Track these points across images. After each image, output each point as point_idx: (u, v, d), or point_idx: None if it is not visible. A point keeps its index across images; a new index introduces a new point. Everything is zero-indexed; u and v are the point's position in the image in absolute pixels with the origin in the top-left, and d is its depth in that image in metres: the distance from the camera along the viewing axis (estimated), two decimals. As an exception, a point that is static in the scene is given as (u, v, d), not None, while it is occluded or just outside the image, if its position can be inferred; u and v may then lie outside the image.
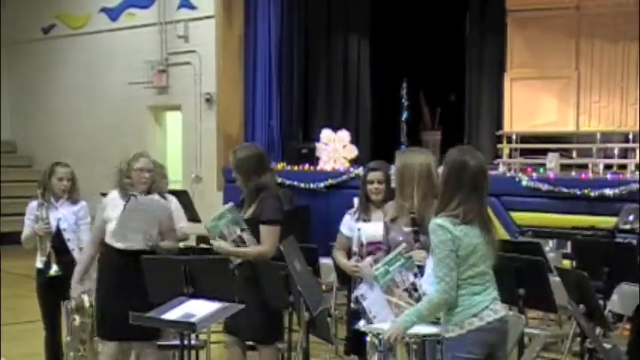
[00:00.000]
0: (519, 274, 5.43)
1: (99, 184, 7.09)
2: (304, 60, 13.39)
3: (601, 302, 5.63)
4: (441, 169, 4.10)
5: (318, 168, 11.76)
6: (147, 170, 5.39)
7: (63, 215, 5.93)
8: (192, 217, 9.19)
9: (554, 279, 5.63)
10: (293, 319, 5.17)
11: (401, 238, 4.62)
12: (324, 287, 6.97)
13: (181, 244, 6.24)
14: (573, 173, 10.26)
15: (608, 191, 9.30)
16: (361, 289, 4.46)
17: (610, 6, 11.30)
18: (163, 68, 13.70)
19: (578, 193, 9.44)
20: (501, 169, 11.18)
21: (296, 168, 11.94)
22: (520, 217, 9.72)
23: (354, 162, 11.62)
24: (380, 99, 13.60)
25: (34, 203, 6.00)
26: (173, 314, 4.17)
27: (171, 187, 13.12)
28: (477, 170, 3.92)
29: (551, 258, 7.01)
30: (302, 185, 11.50)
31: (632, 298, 5.68)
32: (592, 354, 4.36)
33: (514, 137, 11.63)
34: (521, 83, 11.82)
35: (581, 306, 5.00)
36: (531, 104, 11.71)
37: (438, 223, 3.88)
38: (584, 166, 10.75)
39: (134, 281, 5.21)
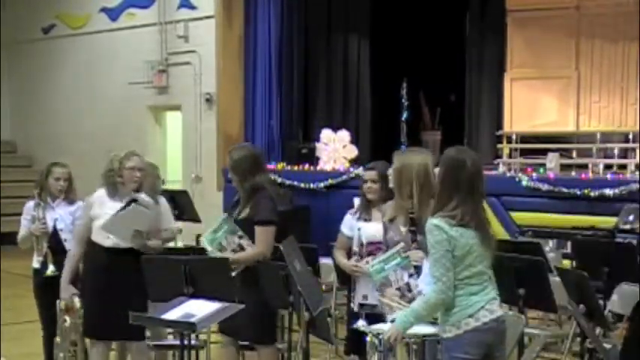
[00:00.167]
0: (519, 274, 5.43)
1: (99, 184, 7.07)
2: (304, 60, 13.39)
3: (601, 302, 5.62)
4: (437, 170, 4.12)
5: (318, 168, 11.76)
6: (138, 169, 5.39)
7: (60, 215, 5.92)
8: (192, 217, 9.21)
9: (554, 279, 5.63)
10: (293, 319, 5.17)
11: (398, 238, 4.63)
12: (324, 287, 6.97)
13: (175, 244, 6.25)
14: (573, 173, 10.26)
15: (608, 191, 9.30)
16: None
17: (610, 6, 11.30)
18: (163, 68, 13.70)
19: (578, 193, 9.44)
20: (501, 169, 11.19)
21: (296, 168, 11.94)
22: (520, 217, 9.71)
23: (354, 162, 11.61)
24: (380, 99, 13.60)
25: (30, 203, 5.99)
26: (173, 314, 4.17)
27: (171, 187, 13.20)
28: (474, 171, 3.93)
29: (551, 258, 7.01)
30: (302, 185, 11.50)
31: (632, 298, 5.67)
32: (592, 354, 4.36)
33: (514, 137, 11.63)
34: (521, 83, 11.82)
35: (581, 306, 5.00)
36: (531, 104, 11.71)
37: (434, 223, 3.88)
38: (584, 166, 10.75)
39: (121, 280, 5.24)
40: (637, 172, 10.09)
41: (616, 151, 11.00)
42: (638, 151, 10.79)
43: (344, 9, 13.72)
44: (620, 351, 4.44)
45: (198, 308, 4.18)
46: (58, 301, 5.56)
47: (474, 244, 3.89)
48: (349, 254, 5.19)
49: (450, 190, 3.92)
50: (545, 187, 9.69)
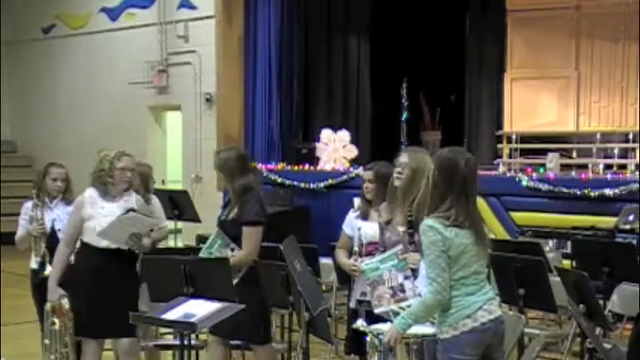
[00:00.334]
0: (519, 274, 5.44)
1: (87, 184, 7.06)
2: (304, 60, 13.39)
3: (601, 302, 5.62)
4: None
5: (318, 168, 11.76)
6: (129, 169, 5.36)
7: (57, 215, 5.90)
8: (192, 217, 9.22)
9: (554, 279, 5.63)
10: (293, 319, 5.17)
11: (395, 239, 4.62)
12: (324, 287, 6.97)
13: (175, 244, 6.26)
14: (573, 173, 10.26)
15: (608, 191, 9.30)
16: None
17: (610, 6, 11.31)
18: (163, 68, 13.70)
19: (578, 193, 9.44)
20: (501, 169, 11.19)
21: (296, 168, 11.93)
22: (520, 217, 9.71)
23: (354, 162, 11.61)
24: (380, 99, 13.61)
25: (28, 203, 5.98)
26: (173, 314, 4.17)
27: (171, 187, 13.21)
28: (467, 171, 3.93)
29: (551, 258, 7.02)
30: (302, 185, 11.49)
31: (632, 298, 5.68)
32: (592, 354, 4.36)
33: (514, 137, 11.63)
34: (521, 83, 11.83)
35: (581, 306, 5.00)
36: (531, 104, 11.72)
37: (429, 224, 3.89)
38: (584, 166, 10.75)
39: (114, 279, 5.22)
40: (637, 172, 10.09)
41: (616, 151, 11.00)
42: (638, 151, 10.80)
43: (344, 9, 13.72)
44: (627, 353, 4.44)
45: (198, 308, 4.18)
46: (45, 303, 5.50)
47: (469, 243, 3.89)
48: (351, 253, 5.20)
49: (443, 190, 3.92)
50: (545, 187, 9.68)
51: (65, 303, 5.33)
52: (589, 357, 4.40)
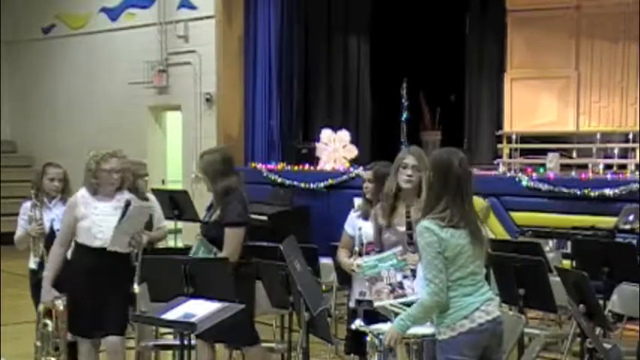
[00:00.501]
0: (519, 274, 5.44)
1: (80, 184, 7.06)
2: (304, 60, 13.39)
3: (601, 302, 5.62)
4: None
5: (318, 168, 11.75)
6: (116, 172, 5.29)
7: (56, 216, 5.89)
8: (192, 217, 9.22)
9: (554, 279, 5.63)
10: (293, 319, 5.17)
11: (395, 239, 4.62)
12: (324, 287, 6.97)
13: (175, 244, 6.26)
14: (573, 173, 10.26)
15: (608, 191, 9.29)
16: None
17: (610, 6, 11.31)
18: (163, 68, 13.70)
19: (578, 193, 9.44)
20: (501, 169, 11.19)
21: (296, 168, 11.93)
22: (520, 217, 9.71)
23: (354, 162, 11.61)
24: (380, 99, 13.61)
25: (27, 204, 5.98)
26: (173, 314, 4.17)
27: (171, 187, 13.21)
28: (462, 171, 3.93)
29: (551, 258, 7.01)
30: (302, 185, 11.49)
31: (632, 298, 5.69)
32: (592, 354, 4.36)
33: (514, 137, 11.63)
34: (521, 83, 11.83)
35: (581, 306, 5.00)
36: (531, 104, 11.72)
37: (424, 225, 3.89)
38: (584, 166, 10.76)
39: (107, 279, 5.21)
40: (637, 172, 10.09)
41: (616, 151, 11.00)
42: (638, 151, 10.80)
43: (344, 9, 13.73)
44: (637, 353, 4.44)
45: (198, 308, 4.18)
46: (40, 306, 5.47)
47: (465, 244, 3.89)
48: (353, 253, 5.20)
49: (438, 191, 3.92)
50: (545, 187, 9.68)
51: (60, 304, 5.30)
52: (589, 357, 4.39)
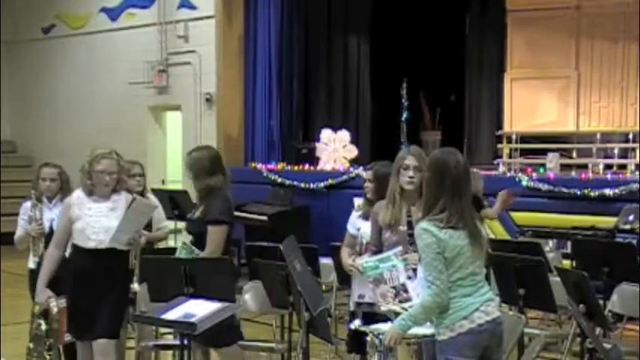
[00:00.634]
0: (519, 274, 5.43)
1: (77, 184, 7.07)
2: (304, 60, 13.39)
3: (601, 302, 5.62)
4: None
5: (318, 168, 11.75)
6: (108, 173, 5.22)
7: (56, 216, 5.86)
8: (193, 217, 9.20)
9: (554, 279, 5.63)
10: (293, 319, 5.16)
11: (396, 238, 4.61)
12: (324, 287, 6.97)
13: (175, 244, 6.26)
14: (573, 173, 10.26)
15: (608, 191, 9.30)
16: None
17: (610, 6, 11.31)
18: (163, 68, 13.70)
19: (578, 193, 9.44)
20: (501, 169, 11.19)
21: (296, 168, 11.93)
22: (520, 217, 9.71)
23: (354, 162, 11.61)
24: (380, 99, 13.61)
25: (27, 204, 5.98)
26: (173, 314, 4.17)
27: (172, 187, 13.21)
28: (459, 172, 3.93)
29: (551, 258, 7.02)
30: (302, 185, 11.49)
31: (632, 298, 5.69)
32: (592, 354, 4.36)
33: (514, 137, 11.64)
34: (521, 83, 11.84)
35: (581, 306, 5.00)
36: (531, 104, 11.73)
37: (423, 227, 3.90)
38: (584, 166, 10.76)
39: (101, 280, 5.15)
40: (637, 172, 10.10)
41: (616, 151, 11.01)
42: (638, 151, 10.80)
43: (344, 9, 13.73)
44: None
45: (198, 308, 4.18)
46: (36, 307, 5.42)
47: (464, 245, 3.88)
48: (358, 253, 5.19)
49: (436, 192, 3.93)
50: (545, 187, 9.68)
51: (54, 305, 5.27)
52: (589, 357, 4.39)
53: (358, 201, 5.68)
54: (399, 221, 4.63)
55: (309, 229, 10.73)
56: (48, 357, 5.40)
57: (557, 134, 11.74)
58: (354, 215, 5.37)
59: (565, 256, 7.65)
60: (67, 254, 5.42)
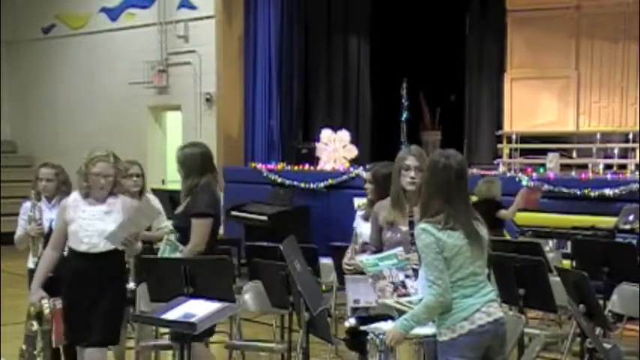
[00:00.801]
0: (519, 274, 5.43)
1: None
2: (304, 60, 13.39)
3: (601, 302, 5.62)
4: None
5: (318, 168, 11.76)
6: (104, 176, 5.12)
7: (55, 216, 5.89)
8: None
9: (554, 279, 5.63)
10: (293, 319, 5.16)
11: (398, 238, 4.61)
12: (324, 287, 6.97)
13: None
14: (573, 173, 10.27)
15: (608, 191, 9.30)
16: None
17: (610, 6, 11.32)
18: (163, 68, 13.70)
19: (578, 193, 9.44)
20: (501, 169, 11.19)
21: (296, 168, 11.93)
22: (520, 217, 9.69)
23: (354, 162, 11.61)
24: (380, 99, 13.62)
25: (27, 204, 5.97)
26: (173, 314, 4.17)
27: (172, 187, 13.19)
28: (456, 173, 3.93)
29: (551, 258, 7.02)
30: (302, 185, 11.49)
31: (632, 298, 5.68)
32: (592, 354, 4.36)
33: (514, 137, 11.64)
34: (521, 83, 11.84)
35: (581, 306, 5.00)
36: (531, 104, 11.73)
37: (421, 227, 3.91)
38: (584, 166, 10.77)
39: (95, 284, 5.06)
40: (637, 172, 10.10)
41: (616, 151, 11.02)
42: (638, 151, 10.80)
43: (344, 9, 13.73)
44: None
45: (198, 308, 4.18)
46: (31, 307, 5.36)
47: (463, 245, 3.88)
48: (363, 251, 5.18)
49: (433, 193, 3.94)
50: (545, 187, 9.68)
51: (46, 306, 5.20)
52: (589, 357, 4.39)
53: (358, 201, 5.69)
54: (401, 221, 4.63)
55: (309, 229, 10.73)
56: (39, 357, 5.33)
57: (557, 134, 11.75)
58: (358, 215, 5.38)
59: (565, 256, 7.66)
60: (65, 254, 5.40)
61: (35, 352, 5.32)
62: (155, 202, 6.26)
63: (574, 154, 11.33)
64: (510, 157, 11.59)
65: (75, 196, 5.26)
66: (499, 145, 11.89)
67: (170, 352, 6.11)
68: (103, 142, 13.97)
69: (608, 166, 10.74)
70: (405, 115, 12.11)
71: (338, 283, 6.89)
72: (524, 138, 11.67)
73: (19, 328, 7.52)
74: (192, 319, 4.06)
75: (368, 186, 5.25)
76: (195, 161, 5.45)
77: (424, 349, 4.13)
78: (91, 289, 5.07)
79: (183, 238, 5.38)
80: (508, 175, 10.52)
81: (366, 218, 5.21)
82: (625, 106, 11.23)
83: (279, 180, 11.68)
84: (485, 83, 12.88)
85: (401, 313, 4.09)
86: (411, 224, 4.51)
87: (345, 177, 11.21)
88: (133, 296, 5.46)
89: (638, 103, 11.09)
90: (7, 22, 16.01)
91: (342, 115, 13.56)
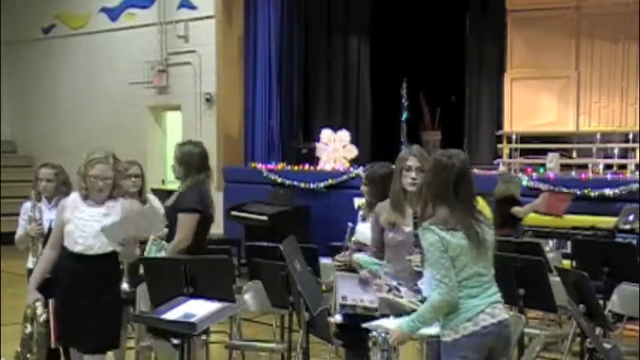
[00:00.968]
0: (519, 274, 5.43)
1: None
2: (304, 60, 13.40)
3: (601, 302, 5.62)
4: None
5: (318, 168, 11.76)
6: (102, 179, 5.01)
7: (55, 216, 5.87)
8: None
9: (554, 279, 5.63)
10: (293, 319, 5.16)
11: (401, 238, 4.60)
12: (324, 287, 6.96)
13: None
14: (573, 173, 10.27)
15: (608, 191, 9.30)
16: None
17: (610, 6, 11.31)
18: (163, 68, 13.70)
19: (578, 193, 9.44)
20: (501, 169, 11.18)
21: (296, 168, 11.93)
22: (520, 217, 9.71)
23: (354, 162, 11.61)
24: (380, 99, 13.62)
25: (28, 204, 5.97)
26: (173, 314, 4.17)
27: (172, 187, 13.18)
28: (458, 173, 3.92)
29: (551, 258, 7.01)
30: (302, 185, 11.50)
31: (632, 298, 5.68)
32: (592, 354, 4.36)
33: (514, 137, 11.63)
34: (521, 83, 11.84)
35: (581, 306, 5.00)
36: (531, 104, 11.72)
37: (425, 226, 3.91)
38: (584, 166, 10.76)
39: (90, 286, 4.98)
40: (637, 172, 10.10)
41: (616, 151, 11.01)
42: (638, 151, 10.80)
43: (344, 9, 13.73)
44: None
45: (198, 308, 4.18)
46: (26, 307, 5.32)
47: (466, 245, 3.87)
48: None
49: (436, 193, 3.93)
50: (545, 187, 9.68)
51: (40, 308, 5.14)
52: (589, 357, 4.39)
53: (358, 201, 5.70)
54: (404, 222, 4.62)
55: (309, 229, 10.73)
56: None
57: (557, 134, 11.74)
58: (360, 214, 5.39)
59: (565, 256, 7.65)
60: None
61: (29, 356, 5.27)
62: (155, 202, 6.25)
63: (574, 154, 11.33)
64: (510, 157, 11.59)
65: (74, 196, 5.20)
66: (499, 145, 11.89)
67: (153, 353, 6.08)
68: (103, 142, 13.98)
69: (608, 166, 10.74)
70: (405, 115, 12.11)
71: (338, 283, 6.89)
72: (524, 138, 11.67)
73: (19, 328, 7.52)
74: (192, 319, 4.06)
75: (364, 188, 5.24)
76: (194, 159, 5.54)
77: (427, 349, 4.13)
78: (85, 292, 4.98)
79: (170, 234, 5.40)
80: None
81: (363, 219, 5.21)
82: (625, 106, 11.22)
83: (279, 180, 11.68)
84: (485, 83, 12.88)
85: (397, 310, 4.08)
86: (416, 225, 4.47)
87: (345, 177, 11.21)
88: (127, 297, 5.41)
89: (638, 103, 11.08)
90: (7, 22, 16.02)
91: (342, 115, 13.56)
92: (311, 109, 13.58)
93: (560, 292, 5.46)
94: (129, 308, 5.45)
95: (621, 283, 5.93)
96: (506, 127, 11.80)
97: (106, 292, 5.03)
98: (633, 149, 10.94)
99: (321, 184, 11.37)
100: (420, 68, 12.69)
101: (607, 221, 8.58)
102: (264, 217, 10.74)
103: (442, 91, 13.34)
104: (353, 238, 5.14)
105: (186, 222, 5.35)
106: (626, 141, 11.08)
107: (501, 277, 5.65)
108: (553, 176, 9.95)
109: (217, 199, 12.13)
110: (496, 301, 3.94)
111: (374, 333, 4.19)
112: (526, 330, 5.50)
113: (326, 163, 11.74)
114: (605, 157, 11.17)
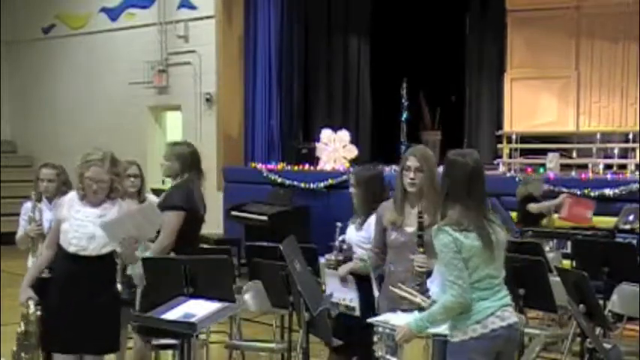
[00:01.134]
0: (519, 274, 5.42)
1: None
2: (304, 60, 13.40)
3: (601, 302, 5.62)
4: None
5: (318, 168, 11.76)
6: (96, 181, 4.90)
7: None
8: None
9: (554, 279, 5.63)
10: (293, 319, 5.16)
11: (404, 239, 4.60)
12: (324, 287, 6.96)
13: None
14: (573, 173, 10.27)
15: (608, 191, 9.30)
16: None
17: (610, 6, 11.32)
18: (163, 68, 13.70)
19: (578, 193, 9.44)
20: (501, 169, 11.19)
21: (296, 168, 11.93)
22: (520, 216, 9.70)
23: (354, 162, 11.60)
24: (380, 99, 13.62)
25: (28, 204, 5.96)
26: (173, 314, 4.17)
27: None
28: (472, 173, 3.90)
29: (551, 258, 7.01)
30: (302, 185, 11.49)
31: (632, 298, 5.68)
32: (592, 354, 4.36)
33: (514, 137, 11.64)
34: (521, 83, 11.84)
35: (581, 306, 5.00)
36: (531, 104, 11.73)
37: (439, 227, 3.88)
38: (584, 166, 10.76)
39: (84, 287, 4.88)
40: (637, 172, 10.10)
41: (616, 151, 11.02)
42: (638, 151, 10.80)
43: (344, 9, 13.73)
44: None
45: (198, 308, 4.18)
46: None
47: (478, 246, 3.84)
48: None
49: (449, 194, 3.91)
50: (545, 187, 9.67)
51: (32, 307, 5.09)
52: (589, 357, 4.39)
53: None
54: (406, 222, 4.60)
55: (309, 229, 10.72)
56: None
57: (557, 134, 11.75)
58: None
59: (565, 256, 7.65)
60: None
61: (23, 354, 5.22)
62: (156, 202, 6.24)
63: (574, 154, 11.33)
64: (510, 157, 11.59)
65: (72, 195, 5.11)
66: (499, 145, 11.89)
67: (170, 352, 6.10)
68: (103, 142, 13.93)
69: (608, 166, 10.75)
70: (405, 115, 12.12)
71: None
72: (524, 138, 11.67)
73: (20, 328, 7.52)
74: (192, 319, 4.06)
75: (352, 190, 5.25)
76: (186, 158, 5.61)
77: (433, 347, 4.11)
78: (79, 292, 4.88)
79: (159, 234, 5.41)
80: (508, 175, 10.53)
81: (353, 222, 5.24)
82: (625, 106, 11.23)
83: (279, 180, 11.68)
84: (485, 83, 12.88)
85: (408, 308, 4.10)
86: (421, 225, 4.45)
87: (345, 177, 11.17)
88: (124, 298, 5.38)
89: (638, 103, 11.09)
90: (7, 22, 16.02)
91: (342, 115, 13.57)
92: (311, 109, 13.59)
93: (560, 292, 5.46)
94: (128, 309, 5.44)
95: (621, 283, 5.93)
96: (506, 127, 11.80)
97: (102, 294, 4.92)
98: (633, 149, 10.94)
99: (321, 184, 11.37)
100: (420, 68, 12.69)
101: (607, 221, 8.58)
102: (264, 217, 10.74)
103: (442, 91, 13.35)
104: (340, 237, 5.15)
105: (171, 219, 5.37)
106: (626, 141, 11.08)
107: (501, 277, 5.70)
108: (553, 176, 9.95)
109: (217, 199, 12.16)
110: (506, 304, 3.91)
111: (380, 328, 4.18)
112: (526, 330, 5.50)
113: (326, 163, 11.74)
114: (605, 157, 11.17)
